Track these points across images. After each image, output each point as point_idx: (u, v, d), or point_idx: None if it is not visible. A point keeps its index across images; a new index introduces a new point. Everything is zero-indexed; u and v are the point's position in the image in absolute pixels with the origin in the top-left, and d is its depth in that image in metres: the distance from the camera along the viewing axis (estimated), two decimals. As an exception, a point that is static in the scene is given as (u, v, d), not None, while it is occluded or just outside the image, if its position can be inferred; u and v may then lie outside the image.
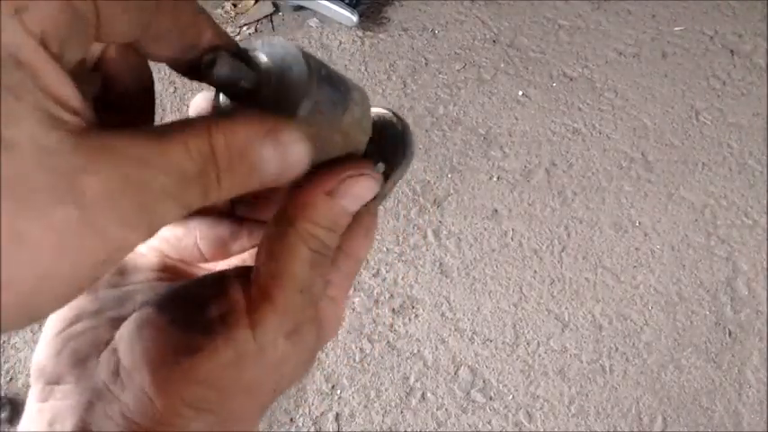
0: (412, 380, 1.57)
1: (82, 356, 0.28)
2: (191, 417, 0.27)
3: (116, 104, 0.27)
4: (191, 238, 0.34)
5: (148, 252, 0.33)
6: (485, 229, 1.78)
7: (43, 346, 0.29)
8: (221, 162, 0.22)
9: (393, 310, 1.66)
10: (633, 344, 1.62)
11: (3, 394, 1.51)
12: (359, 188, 0.29)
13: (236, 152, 0.23)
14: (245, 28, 2.20)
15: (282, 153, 0.24)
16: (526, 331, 1.64)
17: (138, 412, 0.27)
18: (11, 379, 1.55)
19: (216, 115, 0.24)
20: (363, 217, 0.31)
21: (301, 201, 0.28)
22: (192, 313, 0.28)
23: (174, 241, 0.34)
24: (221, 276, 0.30)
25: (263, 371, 0.28)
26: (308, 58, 0.26)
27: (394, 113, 0.32)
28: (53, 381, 0.28)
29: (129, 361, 0.27)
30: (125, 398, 0.27)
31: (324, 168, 0.28)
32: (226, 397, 0.28)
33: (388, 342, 1.62)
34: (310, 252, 0.28)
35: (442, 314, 1.65)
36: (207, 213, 0.34)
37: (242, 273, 0.30)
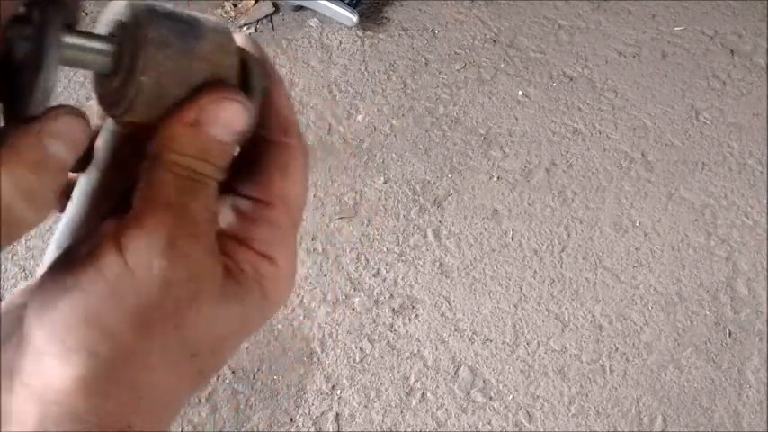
0: (412, 380, 1.57)
1: (5, 343, 0.28)
2: (82, 364, 0.26)
3: None
4: None
5: None
6: (485, 229, 1.78)
7: None
8: None
9: (393, 310, 1.66)
10: (633, 344, 1.62)
11: (3, 394, 1.51)
12: (223, 114, 0.28)
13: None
14: (245, 28, 2.20)
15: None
16: (526, 331, 1.64)
17: (35, 374, 0.26)
18: (11, 379, 1.55)
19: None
20: (276, 155, 0.31)
21: (164, 133, 0.28)
22: (65, 257, 0.28)
23: None
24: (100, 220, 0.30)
25: (145, 297, 0.26)
26: (136, 3, 0.27)
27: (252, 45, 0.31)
28: None
29: (27, 326, 0.27)
30: (25, 365, 0.26)
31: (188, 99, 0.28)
32: (112, 335, 0.26)
33: (388, 342, 1.62)
34: (174, 176, 0.27)
35: (442, 314, 1.65)
36: None
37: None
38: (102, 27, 0.28)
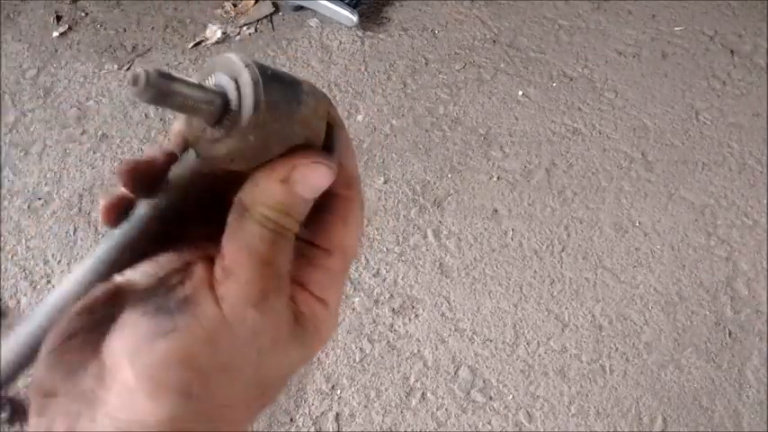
0: (412, 380, 1.57)
1: (74, 369, 0.29)
2: (174, 403, 0.27)
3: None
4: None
5: (145, 275, 0.34)
6: (485, 229, 1.78)
7: (40, 362, 0.30)
8: None
9: (393, 310, 1.66)
10: (633, 344, 1.62)
11: (3, 394, 1.51)
12: (312, 175, 0.30)
13: None
14: (245, 28, 2.21)
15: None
16: (526, 331, 1.64)
17: (123, 409, 0.27)
18: (11, 379, 1.55)
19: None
20: (339, 206, 0.33)
21: (255, 186, 0.30)
22: (162, 300, 0.29)
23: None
24: (186, 263, 0.31)
25: (236, 344, 0.28)
26: (250, 64, 0.29)
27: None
28: (48, 394, 0.29)
29: (111, 361, 0.28)
30: (110, 398, 0.27)
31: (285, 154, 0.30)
32: (205, 377, 0.28)
33: (388, 342, 1.62)
34: (267, 230, 0.29)
35: (442, 314, 1.65)
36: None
37: (205, 257, 0.31)
38: (208, 77, 0.30)
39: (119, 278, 0.33)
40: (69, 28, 2.20)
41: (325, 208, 0.33)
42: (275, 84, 0.29)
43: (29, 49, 2.15)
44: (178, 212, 0.33)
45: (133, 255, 0.33)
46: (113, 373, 0.28)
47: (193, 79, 0.29)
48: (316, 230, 0.33)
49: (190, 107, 0.28)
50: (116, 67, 2.10)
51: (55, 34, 2.18)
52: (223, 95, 0.29)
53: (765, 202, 1.83)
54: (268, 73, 0.29)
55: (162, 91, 0.26)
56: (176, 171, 0.32)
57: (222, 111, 0.29)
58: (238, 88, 0.28)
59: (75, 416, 0.28)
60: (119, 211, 0.33)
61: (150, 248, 0.33)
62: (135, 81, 0.26)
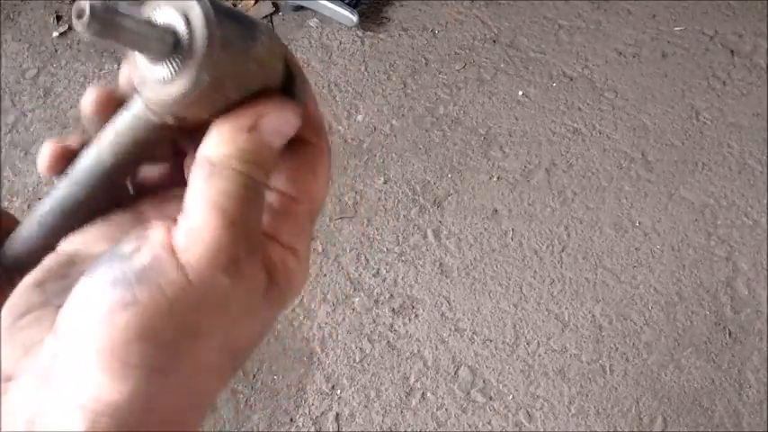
0: (412, 380, 1.57)
1: (31, 346, 0.27)
2: (139, 379, 0.25)
3: None
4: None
5: (98, 239, 0.32)
6: (485, 229, 1.78)
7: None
8: None
9: (393, 310, 1.66)
10: (633, 344, 1.62)
11: None
12: (280, 121, 0.29)
13: None
14: (245, 28, 2.21)
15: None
16: (526, 331, 1.64)
17: (84, 390, 0.25)
18: (11, 379, 1.55)
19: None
20: (307, 154, 0.31)
21: (221, 137, 0.28)
22: (119, 269, 0.26)
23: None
24: (143, 224, 0.30)
25: (205, 313, 0.26)
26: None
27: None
28: (8, 378, 0.27)
29: (67, 337, 0.26)
30: (70, 378, 0.25)
31: (244, 103, 0.28)
32: (171, 350, 0.26)
33: (388, 342, 1.62)
34: (237, 186, 0.27)
35: (442, 314, 1.65)
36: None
37: (163, 216, 0.30)
38: (157, 14, 0.28)
39: (69, 246, 0.31)
40: (69, 28, 2.20)
41: (291, 156, 0.31)
42: (229, 20, 0.27)
43: (29, 49, 2.15)
44: (126, 167, 0.31)
45: (82, 214, 0.31)
46: (71, 350, 0.26)
47: (141, 15, 0.27)
48: (282, 179, 0.31)
49: (137, 43, 0.26)
50: (116, 67, 2.10)
51: (55, 34, 2.18)
52: (173, 31, 0.27)
53: (765, 202, 1.83)
54: (221, 9, 0.27)
55: (107, 23, 0.25)
56: (122, 122, 0.30)
57: (173, 48, 0.27)
58: (189, 23, 0.26)
59: (35, 398, 0.26)
60: (65, 160, 0.31)
61: (101, 206, 0.32)
62: (79, 14, 0.24)
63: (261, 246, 0.29)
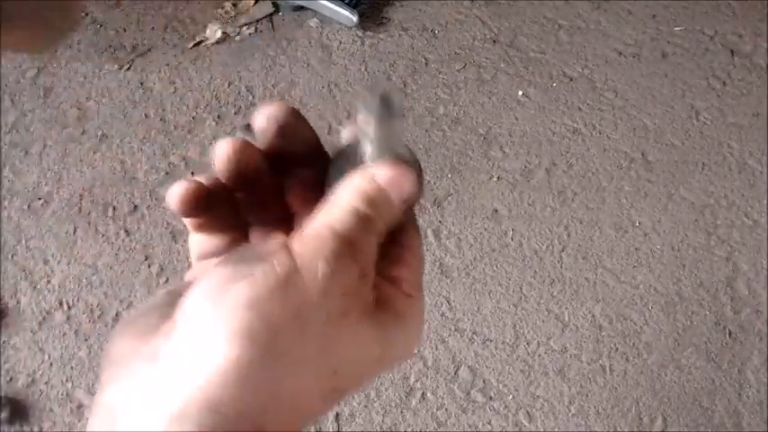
0: (412, 380, 1.57)
1: (146, 332, 0.29)
2: (239, 346, 0.27)
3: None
4: None
5: None
6: (485, 229, 1.78)
7: (114, 335, 0.31)
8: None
9: (393, 310, 1.66)
10: (633, 344, 1.62)
11: (3, 394, 1.51)
12: (400, 180, 0.32)
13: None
14: (245, 28, 2.20)
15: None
16: (526, 331, 1.64)
17: (189, 352, 0.27)
18: (11, 379, 1.55)
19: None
20: (411, 230, 0.35)
21: (349, 181, 0.32)
22: (241, 255, 0.30)
23: None
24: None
25: (305, 296, 0.28)
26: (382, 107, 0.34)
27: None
28: (117, 362, 0.29)
29: (183, 314, 0.28)
30: (177, 346, 0.27)
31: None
32: (272, 325, 0.27)
33: (388, 342, 1.62)
34: (353, 217, 0.31)
35: (442, 314, 1.65)
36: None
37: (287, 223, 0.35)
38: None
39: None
40: (69, 28, 2.20)
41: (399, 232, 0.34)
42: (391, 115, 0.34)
43: (29, 49, 2.15)
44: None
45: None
46: (183, 323, 0.28)
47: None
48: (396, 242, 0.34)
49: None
50: (116, 67, 2.10)
51: (55, 34, 2.18)
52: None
53: (765, 202, 1.83)
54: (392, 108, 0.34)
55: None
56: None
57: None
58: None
59: (141, 372, 0.28)
60: (200, 200, 0.34)
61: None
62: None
63: (369, 267, 0.31)
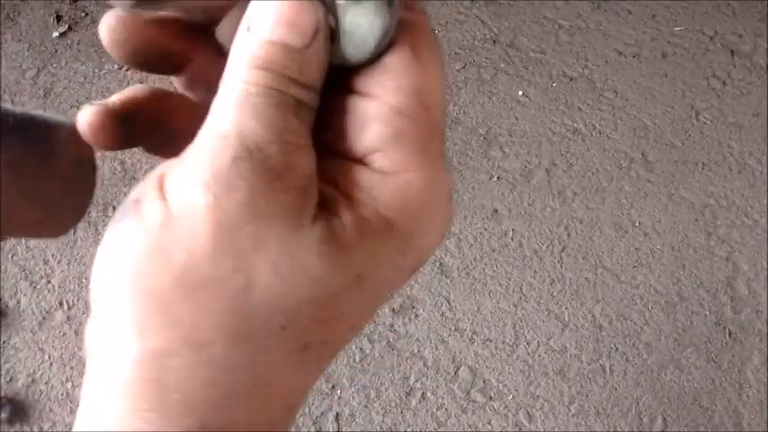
0: (412, 380, 1.57)
1: None
2: (144, 340, 0.23)
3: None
4: None
5: None
6: (485, 229, 1.78)
7: None
8: None
9: (393, 310, 1.66)
10: (633, 344, 1.62)
11: (3, 394, 1.51)
12: (282, 14, 0.23)
13: None
14: (245, 28, 2.21)
15: None
16: (526, 331, 1.64)
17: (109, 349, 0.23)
18: (11, 379, 1.55)
19: None
20: (402, 43, 0.24)
21: (233, 51, 0.24)
22: (122, 206, 0.25)
23: None
24: None
25: (193, 251, 0.22)
26: None
27: None
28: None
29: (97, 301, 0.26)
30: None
31: None
32: (163, 305, 0.23)
33: (388, 342, 1.62)
34: (240, 93, 0.23)
35: (442, 314, 1.65)
36: None
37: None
38: None
39: None
40: (69, 28, 2.20)
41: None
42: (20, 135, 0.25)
43: (29, 49, 2.15)
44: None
45: None
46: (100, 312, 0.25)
47: None
48: (366, 77, 0.24)
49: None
50: (116, 67, 2.10)
51: (55, 34, 2.18)
52: None
53: (765, 202, 1.83)
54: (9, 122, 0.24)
55: None
56: None
57: None
58: None
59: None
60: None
61: None
62: None
63: (280, 160, 0.22)
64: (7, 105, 0.24)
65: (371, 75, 0.24)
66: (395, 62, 0.24)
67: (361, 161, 0.24)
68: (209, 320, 0.22)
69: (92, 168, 0.27)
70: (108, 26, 0.26)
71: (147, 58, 0.27)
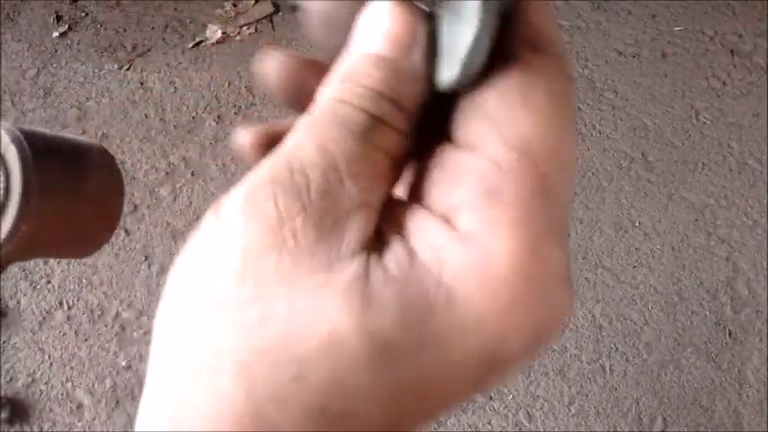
0: (412, 380, 1.57)
1: None
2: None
3: None
4: None
5: None
6: (485, 229, 1.78)
7: None
8: None
9: (393, 310, 1.66)
10: (633, 344, 1.62)
11: (3, 394, 1.51)
12: (374, 22, 0.21)
13: None
14: (245, 28, 2.21)
15: None
16: (526, 331, 1.64)
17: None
18: (11, 379, 1.55)
19: None
20: (505, 80, 0.21)
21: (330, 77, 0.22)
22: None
23: None
24: None
25: (219, 274, 0.21)
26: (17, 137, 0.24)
27: None
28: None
29: None
30: None
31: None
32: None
33: (388, 342, 1.62)
34: (312, 111, 0.21)
35: (442, 314, 1.65)
36: None
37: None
38: None
39: None
40: (69, 28, 2.20)
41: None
42: (52, 157, 0.24)
43: (29, 49, 2.15)
44: None
45: None
46: None
47: None
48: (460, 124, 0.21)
49: None
50: (116, 67, 2.10)
51: (55, 34, 2.18)
52: None
53: (765, 202, 1.83)
54: (43, 144, 0.24)
55: None
56: None
57: None
58: (6, 166, 0.23)
59: None
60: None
61: None
62: None
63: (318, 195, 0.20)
64: (38, 128, 0.25)
65: (470, 119, 0.21)
66: (498, 103, 0.20)
67: (444, 218, 0.20)
68: (222, 345, 0.20)
69: (120, 191, 0.27)
70: (272, 69, 0.26)
71: (299, 98, 0.26)
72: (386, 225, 0.21)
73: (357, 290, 0.19)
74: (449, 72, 0.21)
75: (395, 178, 0.22)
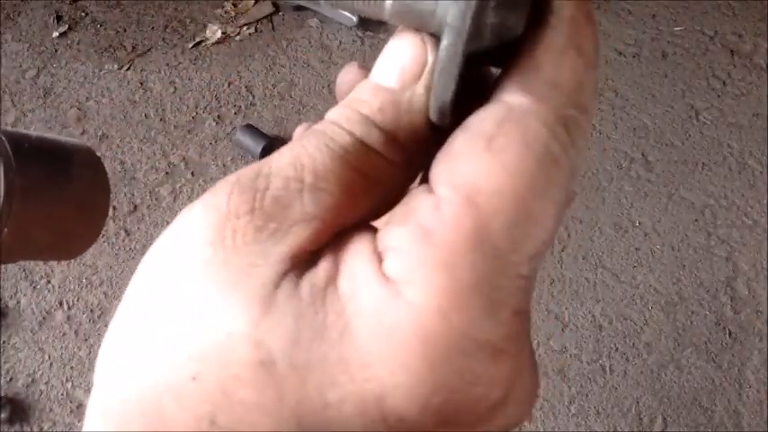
0: (412, 380, 1.57)
1: None
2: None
3: None
4: None
5: None
6: (485, 229, 1.78)
7: None
8: None
9: (393, 310, 1.66)
10: (633, 344, 1.62)
11: (3, 394, 1.51)
12: (388, 54, 0.22)
13: None
14: (245, 28, 2.21)
15: None
16: (526, 331, 1.64)
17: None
18: (11, 379, 1.55)
19: None
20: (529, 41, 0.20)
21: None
22: None
23: None
24: None
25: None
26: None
27: None
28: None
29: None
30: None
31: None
32: None
33: (388, 342, 1.62)
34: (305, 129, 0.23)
35: (442, 314, 1.65)
36: None
37: None
38: None
39: None
40: (69, 28, 2.20)
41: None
42: (37, 160, 0.24)
43: (29, 49, 2.15)
44: None
45: None
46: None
47: None
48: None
49: None
50: (116, 67, 2.10)
51: (55, 34, 2.18)
52: None
53: (765, 202, 1.83)
54: (26, 147, 0.23)
55: None
56: None
57: None
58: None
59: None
60: None
61: None
62: None
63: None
64: (23, 130, 0.24)
65: (438, 156, 0.20)
66: (463, 143, 0.20)
67: (379, 255, 0.20)
68: (136, 334, 0.21)
69: (106, 192, 0.27)
70: (347, 82, 0.27)
71: None
72: (334, 246, 0.20)
73: (261, 297, 0.19)
74: (432, 109, 0.21)
75: (373, 203, 0.21)
